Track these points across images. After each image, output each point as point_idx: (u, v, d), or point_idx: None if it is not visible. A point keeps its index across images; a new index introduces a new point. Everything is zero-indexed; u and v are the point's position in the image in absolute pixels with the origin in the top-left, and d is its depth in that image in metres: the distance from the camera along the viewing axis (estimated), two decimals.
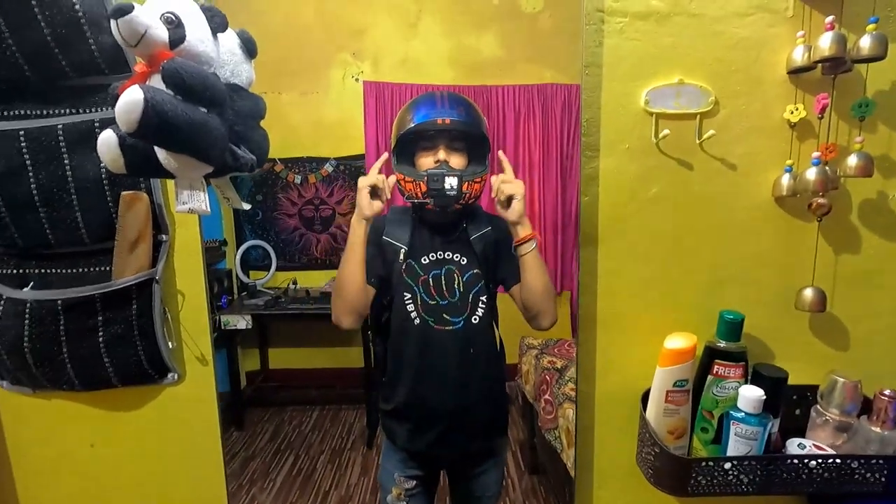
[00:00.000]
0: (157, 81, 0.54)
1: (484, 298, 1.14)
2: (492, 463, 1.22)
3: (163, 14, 0.53)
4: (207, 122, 0.55)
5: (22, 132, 0.61)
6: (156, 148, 0.56)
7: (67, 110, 0.63)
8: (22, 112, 0.62)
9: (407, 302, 1.14)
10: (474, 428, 1.17)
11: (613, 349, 0.73)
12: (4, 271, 0.67)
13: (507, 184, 0.90)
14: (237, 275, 3.25)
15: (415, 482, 1.17)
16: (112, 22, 0.49)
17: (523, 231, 0.90)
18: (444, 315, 1.09)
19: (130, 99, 0.48)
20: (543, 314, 0.98)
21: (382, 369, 1.18)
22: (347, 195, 3.66)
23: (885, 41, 0.59)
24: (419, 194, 1.05)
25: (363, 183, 0.97)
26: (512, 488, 2.61)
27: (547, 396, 2.43)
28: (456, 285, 1.11)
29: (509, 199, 0.87)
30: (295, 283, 3.32)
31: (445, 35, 3.47)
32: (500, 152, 0.93)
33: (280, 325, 3.46)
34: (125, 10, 0.49)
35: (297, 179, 3.61)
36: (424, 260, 1.13)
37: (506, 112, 3.55)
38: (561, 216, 3.63)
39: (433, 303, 1.12)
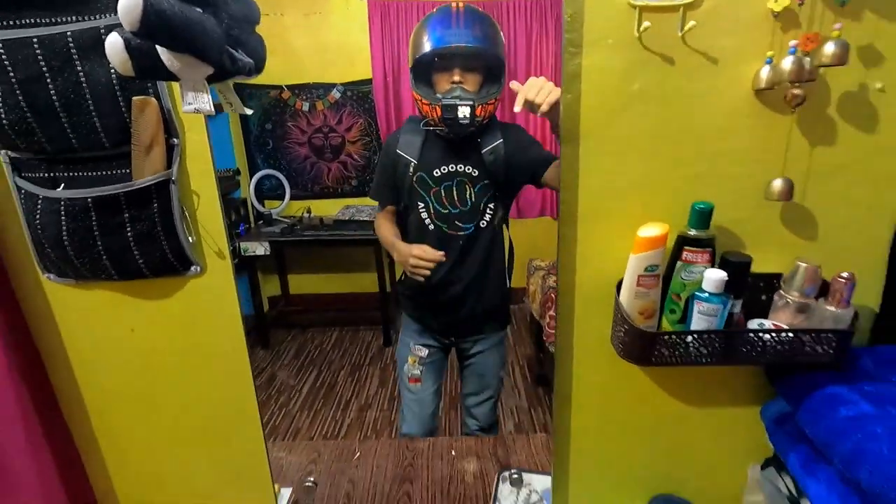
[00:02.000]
0: None
1: (492, 205, 1.26)
2: (493, 344, 1.43)
3: None
4: (203, 22, 0.59)
5: (35, 39, 0.66)
6: (159, 49, 0.60)
7: (74, 17, 0.67)
8: (32, 20, 0.66)
9: (421, 210, 1.26)
10: (479, 312, 1.35)
11: (592, 241, 0.79)
12: (37, 175, 0.74)
13: (531, 96, 0.88)
14: (252, 203, 3.34)
15: (427, 351, 1.39)
16: None
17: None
18: (457, 222, 1.22)
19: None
20: None
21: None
22: (356, 122, 3.64)
23: None
24: (435, 118, 1.12)
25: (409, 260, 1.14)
26: (518, 396, 2.82)
27: (552, 312, 2.56)
28: (468, 195, 1.22)
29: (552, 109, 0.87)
30: (309, 211, 3.41)
31: None
32: (513, 83, 0.91)
33: (297, 252, 3.60)
34: None
35: (306, 107, 3.57)
36: (436, 172, 1.23)
37: (517, 27, 3.40)
38: None
39: (445, 211, 1.25)
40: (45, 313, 0.84)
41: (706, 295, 0.72)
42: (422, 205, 1.24)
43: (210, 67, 0.63)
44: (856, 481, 0.65)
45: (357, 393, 2.88)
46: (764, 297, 0.80)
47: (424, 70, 1.15)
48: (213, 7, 0.61)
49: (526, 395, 2.84)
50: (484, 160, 1.19)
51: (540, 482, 1.06)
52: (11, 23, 0.66)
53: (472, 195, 1.23)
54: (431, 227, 1.24)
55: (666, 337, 0.73)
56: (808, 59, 0.66)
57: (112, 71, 0.69)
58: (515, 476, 1.01)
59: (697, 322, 0.73)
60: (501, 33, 1.16)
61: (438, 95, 1.12)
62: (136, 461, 0.96)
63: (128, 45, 0.59)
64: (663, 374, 0.85)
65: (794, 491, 0.80)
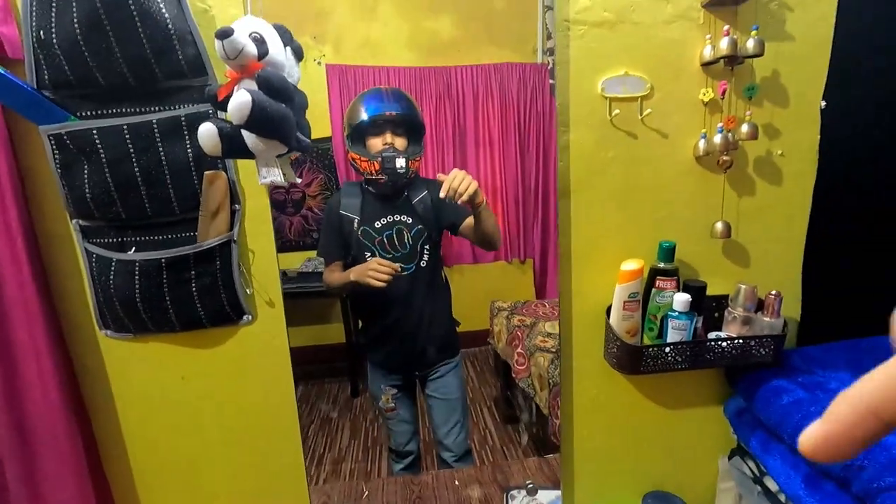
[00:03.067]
0: (247, 84, 0.72)
1: (428, 247, 1.52)
2: (449, 369, 1.67)
3: (251, 33, 0.71)
4: (288, 114, 0.74)
5: (125, 127, 0.77)
6: (246, 135, 0.74)
7: (158, 108, 0.79)
8: (124, 110, 0.78)
9: (368, 258, 1.48)
10: (431, 344, 1.59)
11: (584, 276, 0.98)
12: (107, 240, 0.83)
13: (456, 187, 1.16)
14: None
15: (395, 389, 1.60)
16: (217, 42, 0.67)
17: (481, 199, 1.22)
18: (399, 264, 1.44)
19: (242, 100, 0.67)
20: (495, 239, 1.35)
21: (358, 312, 1.60)
22: (317, 177, 3.77)
23: (762, 43, 0.84)
24: (373, 171, 1.40)
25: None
26: (490, 437, 2.90)
27: (519, 350, 2.71)
28: (406, 240, 1.47)
29: (470, 197, 1.16)
30: None
31: (404, 18, 3.59)
32: (439, 174, 1.19)
33: None
34: (228, 33, 0.67)
35: (292, 181, 3.67)
36: (377, 224, 1.49)
37: (465, 92, 3.74)
38: (522, 190, 3.89)
39: (388, 256, 1.49)
40: (98, 369, 0.90)
41: (677, 314, 0.92)
42: (368, 254, 1.48)
43: (285, 148, 0.77)
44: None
45: (329, 447, 2.85)
46: (716, 315, 1.01)
47: (360, 136, 1.41)
48: (291, 102, 0.76)
49: (497, 436, 2.91)
50: (416, 209, 1.46)
51: (544, 495, 1.19)
52: (104, 111, 0.77)
53: (410, 239, 1.49)
54: None
55: (650, 349, 0.91)
56: (731, 134, 0.90)
57: (189, 150, 0.81)
58: (531, 486, 1.13)
59: (672, 336, 0.92)
60: (419, 108, 1.47)
61: (375, 153, 1.38)
62: None
63: (220, 133, 0.73)
64: (647, 383, 1.03)
65: (756, 472, 0.99)
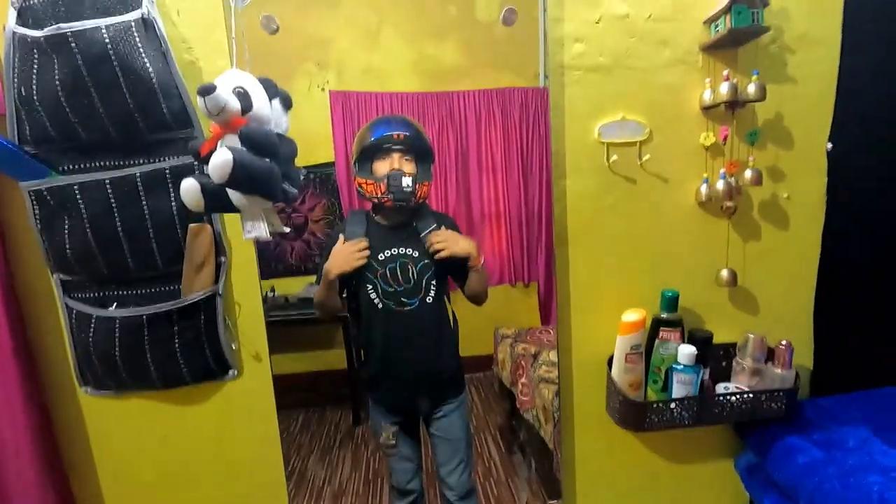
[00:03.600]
0: (231, 140, 0.70)
1: (434, 282, 1.45)
2: (453, 408, 1.57)
3: (234, 88, 0.69)
4: (272, 169, 0.72)
5: (108, 180, 0.75)
6: (229, 190, 0.71)
7: (142, 160, 0.77)
8: (106, 163, 0.76)
9: (370, 291, 1.42)
10: (435, 383, 1.50)
11: (584, 326, 0.94)
12: (88, 295, 0.81)
13: (440, 246, 1.14)
14: None
15: (397, 427, 1.51)
16: (199, 98, 0.65)
17: (474, 262, 1.17)
18: (402, 299, 1.38)
19: (223, 159, 0.64)
20: (480, 299, 1.30)
21: (358, 346, 1.47)
22: (319, 202, 3.76)
23: (763, 87, 0.82)
24: (380, 193, 1.33)
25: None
26: (495, 469, 2.81)
27: (523, 380, 2.64)
28: (410, 274, 1.41)
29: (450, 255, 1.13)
30: (273, 290, 3.40)
31: (407, 44, 3.62)
32: (431, 235, 1.17)
33: None
34: (210, 90, 0.65)
35: (280, 231, 3.68)
36: (381, 256, 1.42)
37: (467, 116, 3.74)
38: (525, 213, 3.86)
39: (391, 290, 1.42)
40: (78, 426, 0.86)
41: (682, 367, 0.87)
42: (370, 286, 1.42)
43: (270, 202, 0.75)
44: None
45: (329, 479, 2.77)
46: (724, 364, 0.96)
47: (367, 160, 1.38)
48: (276, 156, 0.74)
49: (502, 466, 2.83)
50: (423, 242, 1.41)
51: None
52: (87, 165, 0.75)
53: (415, 273, 1.43)
54: (380, 305, 1.40)
55: (655, 405, 0.87)
56: (733, 179, 0.87)
57: (172, 202, 0.79)
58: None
59: (678, 390, 0.88)
60: (427, 135, 1.46)
61: (382, 175, 1.35)
62: None
63: (203, 189, 0.70)
64: (652, 438, 0.98)
65: None
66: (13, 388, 0.78)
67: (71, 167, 0.76)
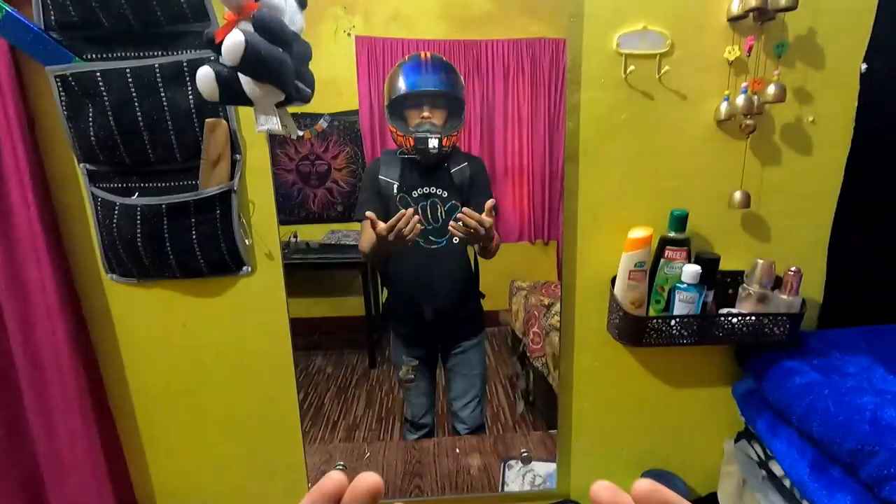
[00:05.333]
0: (244, 26, 0.70)
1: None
2: (472, 345, 1.67)
3: None
4: (284, 58, 0.72)
5: (128, 70, 0.78)
6: (243, 79, 0.73)
7: (161, 52, 0.79)
8: (127, 53, 0.78)
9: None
10: (456, 319, 1.57)
11: (590, 244, 0.94)
12: (112, 185, 0.85)
13: (462, 230, 1.14)
14: None
15: (417, 361, 1.61)
16: None
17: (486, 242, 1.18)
18: (431, 237, 1.44)
19: (235, 40, 0.66)
20: (487, 252, 1.35)
21: (385, 280, 1.58)
22: (343, 150, 3.78)
23: None
24: (408, 147, 1.37)
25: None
26: (503, 414, 2.90)
27: (535, 329, 2.69)
28: (439, 213, 1.45)
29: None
30: (295, 235, 3.49)
31: None
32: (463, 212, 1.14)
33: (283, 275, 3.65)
34: None
35: (293, 135, 3.71)
36: (415, 193, 1.47)
37: (495, 67, 3.65)
38: (549, 170, 3.80)
39: (421, 227, 1.46)
40: (104, 311, 0.92)
41: (685, 285, 0.87)
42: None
43: (283, 94, 0.76)
44: (809, 434, 0.80)
45: (344, 414, 2.90)
46: (730, 291, 0.96)
47: (398, 107, 1.39)
48: (289, 47, 0.75)
49: (510, 413, 2.92)
50: (454, 180, 1.44)
51: (542, 468, 1.18)
52: (108, 55, 0.78)
53: (443, 213, 1.47)
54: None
55: (654, 321, 0.88)
56: (756, 97, 0.84)
57: (190, 96, 0.81)
58: (525, 454, 1.12)
59: (679, 308, 0.88)
60: (462, 77, 1.44)
61: (411, 128, 1.37)
62: (175, 454, 1.03)
63: (217, 76, 0.72)
64: (650, 357, 1.00)
65: (762, 456, 0.94)
66: (45, 269, 0.84)
67: (93, 56, 0.79)
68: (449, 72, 1.40)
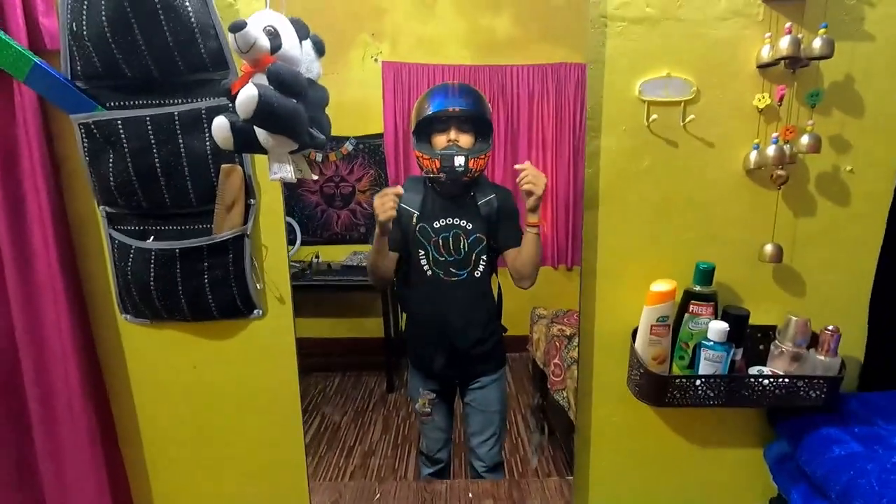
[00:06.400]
0: (259, 79, 0.71)
1: (484, 257, 1.44)
2: (492, 380, 1.60)
3: (265, 27, 0.70)
4: (297, 109, 0.72)
5: (148, 118, 0.79)
6: (257, 130, 0.73)
7: (181, 100, 0.80)
8: (148, 101, 0.80)
9: (421, 257, 1.43)
10: (475, 354, 1.51)
11: (610, 295, 0.90)
12: (129, 228, 0.86)
13: (528, 178, 1.12)
14: None
15: (434, 395, 1.55)
16: (230, 35, 0.66)
17: (532, 219, 1.16)
18: (451, 269, 1.39)
19: (248, 94, 0.66)
20: (527, 279, 1.30)
21: (404, 309, 1.54)
22: (367, 173, 3.82)
23: (831, 43, 0.73)
24: (434, 169, 1.33)
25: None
26: (522, 447, 2.81)
27: (556, 360, 2.61)
28: (462, 246, 1.41)
29: (529, 192, 1.11)
30: (318, 256, 3.52)
31: (461, 15, 3.55)
32: (526, 163, 1.14)
33: (304, 296, 3.67)
34: (240, 26, 0.66)
35: (319, 157, 3.77)
36: (436, 224, 1.42)
37: (520, 92, 3.65)
38: (574, 194, 3.75)
39: (442, 259, 1.42)
40: (118, 350, 0.93)
41: (711, 343, 0.82)
42: (422, 252, 1.42)
43: (296, 144, 0.76)
44: None
45: (361, 439, 2.87)
46: (761, 347, 0.90)
47: (425, 131, 1.37)
48: (304, 97, 0.75)
49: (529, 444, 2.84)
50: (480, 212, 1.39)
51: None
52: (130, 103, 0.79)
53: (466, 246, 1.42)
54: (429, 272, 1.41)
55: (678, 380, 0.83)
56: (788, 146, 0.80)
57: (207, 142, 0.82)
58: None
59: (704, 367, 0.83)
60: (489, 104, 1.42)
61: (437, 151, 1.33)
62: (181, 492, 1.02)
63: (232, 127, 0.72)
64: (674, 416, 0.94)
65: None
66: (62, 310, 0.85)
67: (116, 104, 0.80)
68: (476, 96, 1.38)
